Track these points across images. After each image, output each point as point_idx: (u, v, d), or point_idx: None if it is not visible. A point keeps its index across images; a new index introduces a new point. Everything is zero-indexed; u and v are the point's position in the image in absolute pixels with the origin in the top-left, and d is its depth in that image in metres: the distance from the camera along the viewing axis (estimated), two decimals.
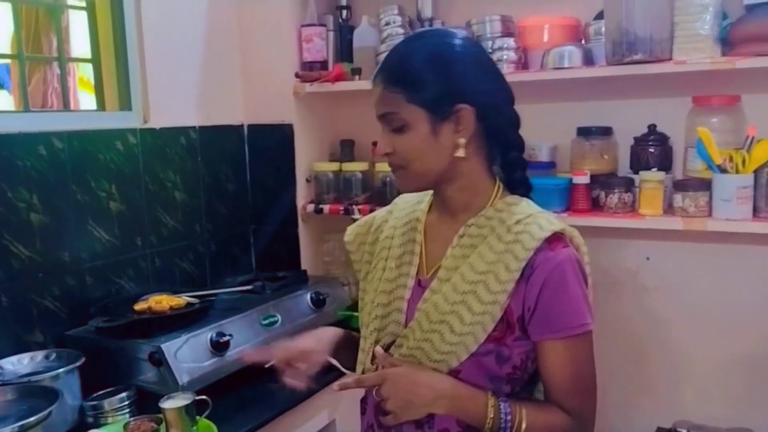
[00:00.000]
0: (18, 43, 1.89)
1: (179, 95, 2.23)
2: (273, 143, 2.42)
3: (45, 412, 1.40)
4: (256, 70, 2.42)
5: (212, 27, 2.31)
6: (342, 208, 2.33)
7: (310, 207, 2.41)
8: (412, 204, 1.27)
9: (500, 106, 1.15)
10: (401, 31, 2.25)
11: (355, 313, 2.22)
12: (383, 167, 2.33)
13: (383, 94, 1.11)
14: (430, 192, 1.24)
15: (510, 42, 2.07)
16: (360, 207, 2.30)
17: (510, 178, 1.20)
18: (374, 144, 2.44)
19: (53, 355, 1.72)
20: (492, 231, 1.12)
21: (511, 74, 2.06)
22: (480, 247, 1.12)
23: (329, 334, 1.32)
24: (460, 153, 1.10)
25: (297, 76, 2.34)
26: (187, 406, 1.52)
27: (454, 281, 1.12)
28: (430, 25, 2.30)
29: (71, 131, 1.88)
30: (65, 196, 1.86)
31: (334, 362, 1.26)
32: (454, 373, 1.11)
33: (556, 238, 1.10)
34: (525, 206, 1.16)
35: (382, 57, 2.25)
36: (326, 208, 2.37)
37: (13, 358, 1.68)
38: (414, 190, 1.19)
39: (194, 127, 2.26)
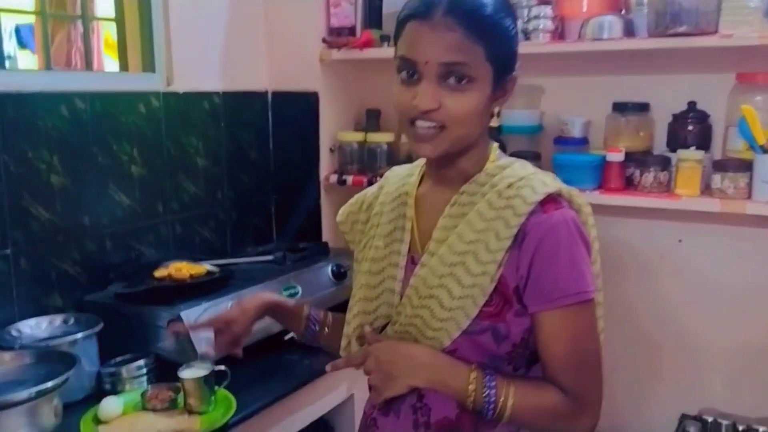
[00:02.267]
0: (41, 1, 1.84)
1: (203, 59, 2.17)
2: (297, 111, 2.36)
3: (62, 378, 1.37)
4: (281, 36, 2.35)
5: None
6: (366, 179, 2.28)
7: (333, 177, 2.35)
8: (402, 177, 1.19)
9: None
10: None
11: None
12: None
13: (461, 41, 0.95)
14: (421, 162, 1.17)
15: (547, 10, 1.98)
16: None
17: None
18: None
19: (71, 320, 1.70)
20: (483, 197, 1.04)
21: (547, 44, 1.99)
22: (470, 215, 1.04)
23: (256, 302, 1.29)
24: (495, 122, 1.06)
25: (324, 41, 2.27)
26: (206, 377, 1.50)
27: (441, 253, 1.04)
28: None
29: (93, 92, 1.84)
30: (86, 159, 1.83)
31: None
32: (449, 353, 1.04)
33: (550, 200, 1.01)
34: (518, 168, 1.07)
35: None
36: (350, 179, 2.32)
37: (32, 321, 1.66)
38: (443, 154, 1.03)
39: (218, 92, 2.21)
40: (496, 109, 1.04)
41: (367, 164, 2.34)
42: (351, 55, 2.25)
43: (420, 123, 0.99)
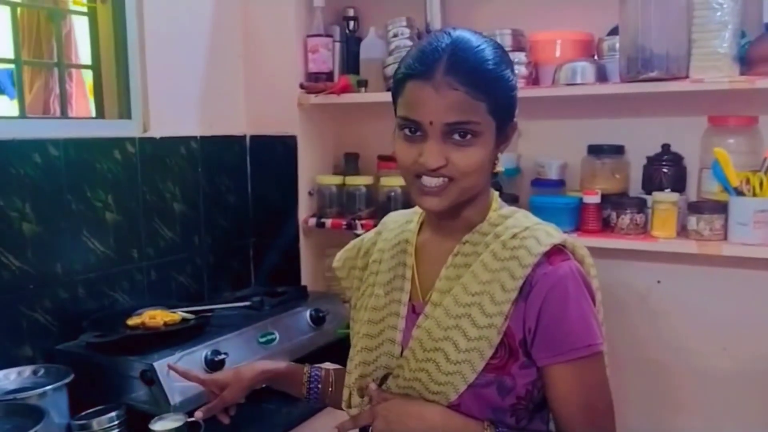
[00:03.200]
0: (16, 48, 1.84)
1: (180, 104, 2.17)
2: (276, 155, 2.36)
3: None
4: (259, 80, 2.36)
5: (216, 35, 2.26)
6: (345, 222, 2.27)
7: (312, 221, 2.34)
8: (400, 224, 1.18)
9: None
10: (409, 43, 2.20)
11: None
12: (388, 182, 2.27)
13: (463, 99, 0.95)
14: (419, 210, 1.16)
15: (521, 56, 2.01)
16: (363, 222, 2.24)
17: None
18: (380, 158, 2.38)
19: (41, 371, 1.65)
20: (486, 247, 1.04)
21: (522, 90, 2.00)
22: (474, 266, 1.03)
23: (253, 371, 1.28)
24: (499, 168, 1.06)
25: (302, 87, 2.29)
26: (178, 428, 1.46)
27: (446, 304, 1.03)
28: None
29: (68, 138, 1.82)
30: (60, 206, 1.81)
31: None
32: (453, 408, 1.02)
33: (555, 251, 1.02)
34: (521, 218, 1.07)
35: (390, 69, 2.23)
36: (328, 222, 2.31)
37: (1, 373, 1.62)
38: (449, 208, 1.02)
39: (195, 137, 2.21)
40: (499, 156, 1.06)
41: (346, 207, 2.33)
42: (329, 99, 2.26)
43: (427, 180, 0.99)
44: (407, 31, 2.23)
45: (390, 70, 2.19)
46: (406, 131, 1.00)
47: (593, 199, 1.99)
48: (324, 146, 2.46)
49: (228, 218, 2.35)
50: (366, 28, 2.35)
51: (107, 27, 2.04)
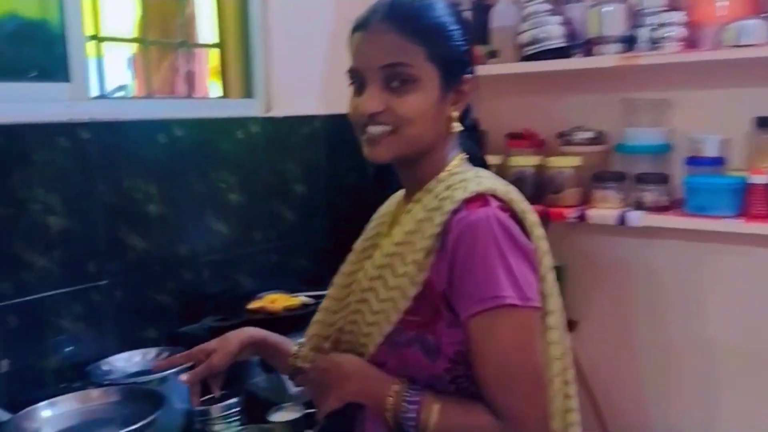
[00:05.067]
0: (142, 29, 1.83)
1: (303, 83, 2.11)
2: None
3: (147, 420, 1.31)
4: None
5: (340, 12, 2.16)
6: None
7: None
8: (396, 197, 1.15)
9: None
10: (547, 7, 2.00)
11: None
12: (518, 161, 2.10)
13: (396, 41, 0.95)
14: None
15: (677, 16, 1.76)
16: None
17: (473, 158, 1.07)
18: (509, 136, 2.21)
19: (164, 354, 1.65)
20: (418, 203, 1.00)
21: (677, 54, 1.76)
22: (403, 217, 1.01)
23: (240, 336, 1.22)
24: (456, 127, 1.00)
25: None
26: (296, 420, 1.39)
27: (375, 255, 1.02)
28: (579, 0, 2.02)
29: (192, 119, 1.81)
30: (184, 186, 1.79)
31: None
32: (380, 366, 0.98)
33: (477, 198, 0.94)
34: (469, 174, 1.00)
35: (525, 37, 2.05)
36: None
37: (125, 355, 1.62)
38: (392, 159, 1.00)
39: (318, 116, 2.14)
40: (454, 113, 1.00)
41: None
42: None
43: (371, 128, 0.98)
44: None
45: (524, 39, 2.01)
46: (354, 86, 1.00)
47: (762, 179, 1.72)
48: None
49: (348, 200, 2.26)
50: None
51: (232, 6, 2.01)
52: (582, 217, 1.97)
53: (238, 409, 1.55)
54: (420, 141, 0.98)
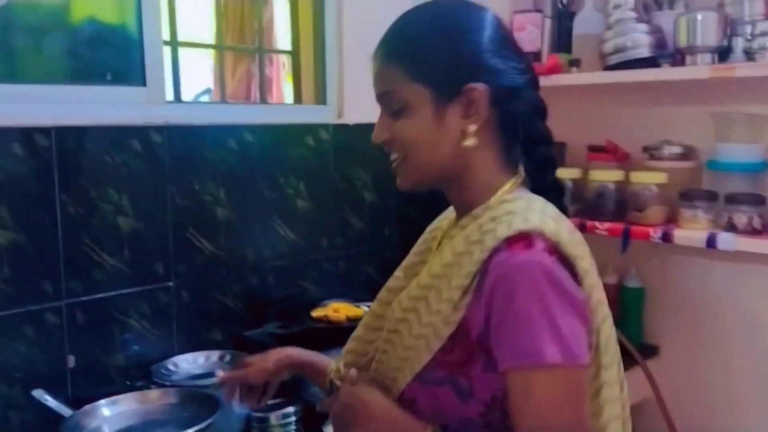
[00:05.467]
0: (218, 34, 1.86)
1: None
2: None
3: (203, 424, 1.31)
4: None
5: None
6: None
7: None
8: (448, 212, 1.09)
9: (520, 89, 0.93)
10: (633, 14, 1.90)
11: None
12: (598, 175, 2.00)
13: (381, 69, 0.94)
14: None
15: None
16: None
17: (538, 181, 0.97)
18: (590, 148, 2.11)
19: (227, 357, 1.66)
20: (462, 230, 0.92)
21: None
22: (443, 248, 0.95)
23: (279, 355, 1.20)
24: (470, 142, 0.91)
25: None
26: None
27: (410, 285, 0.95)
28: (670, 7, 1.91)
29: (263, 124, 1.81)
30: (252, 192, 1.80)
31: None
32: (408, 402, 0.91)
33: (522, 238, 0.84)
34: (520, 204, 0.90)
35: (609, 46, 1.95)
36: None
37: (189, 356, 1.65)
38: (415, 188, 0.97)
39: None
40: (471, 127, 0.91)
41: None
42: None
43: (391, 157, 0.97)
44: (631, 1, 1.92)
45: (608, 47, 1.91)
46: None
47: None
48: None
49: (418, 209, 2.20)
50: (581, 1, 2.08)
51: (307, 13, 2.01)
52: (667, 238, 1.85)
53: (295, 418, 1.54)
54: (433, 164, 0.93)
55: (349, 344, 1.11)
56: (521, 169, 0.97)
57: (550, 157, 0.97)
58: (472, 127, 0.90)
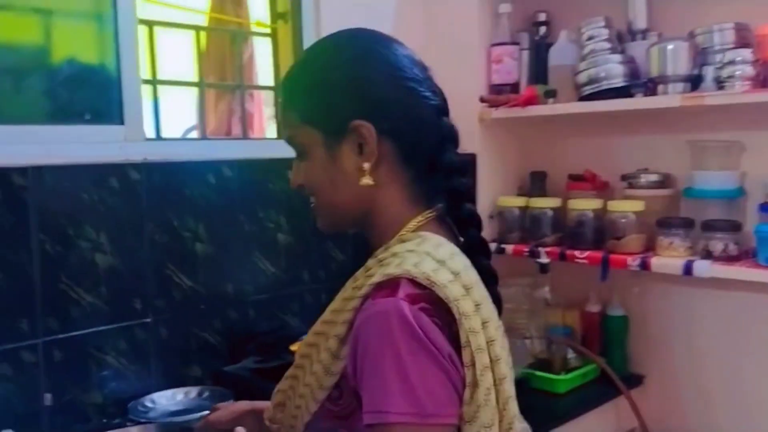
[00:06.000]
0: (199, 71, 1.89)
1: None
2: None
3: None
4: None
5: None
6: (527, 249, 2.04)
7: (493, 246, 2.14)
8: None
9: (421, 118, 0.90)
10: (607, 45, 1.92)
11: (538, 373, 1.93)
12: (578, 204, 2.01)
13: (281, 115, 0.95)
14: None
15: (746, 54, 1.65)
16: (548, 249, 1.99)
17: (454, 212, 0.94)
18: (570, 177, 2.12)
19: (206, 393, 1.66)
20: (366, 271, 0.88)
21: (746, 94, 1.65)
22: (342, 290, 0.92)
23: (239, 407, 1.17)
24: (366, 180, 0.87)
25: (482, 100, 2.11)
26: None
27: (309, 332, 0.93)
28: (643, 38, 1.94)
29: (242, 159, 1.83)
30: (232, 226, 1.81)
31: None
32: None
33: (387, 284, 0.79)
34: (411, 244, 0.85)
35: (582, 77, 1.98)
36: (509, 248, 2.09)
37: (168, 393, 1.64)
38: (333, 229, 0.97)
39: None
40: (365, 165, 0.87)
41: (529, 232, 2.10)
42: (512, 113, 2.06)
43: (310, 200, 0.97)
44: (605, 32, 1.95)
45: (582, 78, 1.94)
46: None
47: None
48: (506, 165, 2.25)
49: None
50: (557, 34, 2.12)
51: (287, 47, 2.04)
52: (645, 266, 1.85)
53: None
54: (339, 205, 0.91)
55: (280, 383, 1.02)
56: (440, 203, 0.94)
57: (464, 187, 0.93)
58: (366, 165, 0.87)
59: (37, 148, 1.49)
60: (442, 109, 0.93)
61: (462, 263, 0.86)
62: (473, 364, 0.79)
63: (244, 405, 1.18)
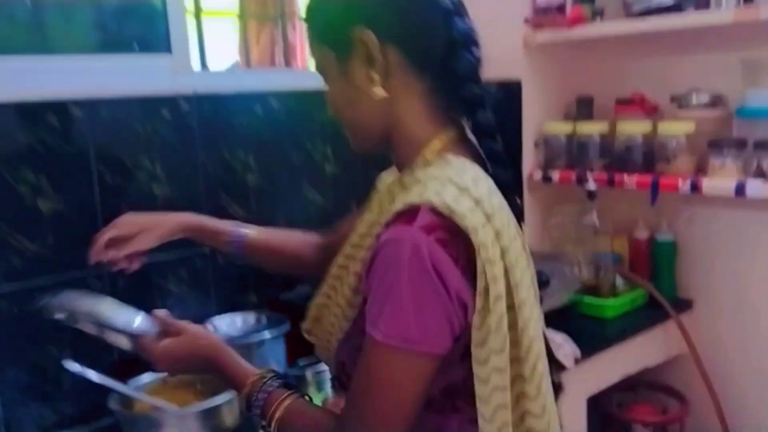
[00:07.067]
0: (240, 3, 1.88)
1: None
2: (498, 102, 2.18)
3: None
4: (480, 19, 2.17)
5: None
6: (575, 176, 2.03)
7: (538, 174, 2.14)
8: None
9: (424, 23, 0.86)
10: None
11: (586, 298, 1.95)
12: (626, 128, 1.99)
13: (309, 43, 0.93)
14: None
15: None
16: (596, 175, 1.98)
17: (482, 147, 0.90)
18: (618, 102, 2.09)
19: (264, 318, 1.71)
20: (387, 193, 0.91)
21: None
22: (368, 209, 0.96)
23: (176, 221, 1.21)
24: (378, 91, 0.85)
25: (526, 22, 2.07)
26: None
27: (340, 254, 0.96)
28: None
29: (288, 91, 1.83)
30: (280, 158, 1.83)
31: None
32: (341, 365, 0.93)
33: (406, 213, 0.79)
34: (435, 170, 0.84)
35: None
36: (556, 175, 2.09)
37: (227, 318, 1.70)
38: (364, 151, 0.96)
39: None
40: (376, 76, 0.85)
41: (576, 159, 2.09)
42: (558, 36, 2.02)
43: None
44: None
45: None
46: None
47: None
48: (552, 90, 2.22)
49: None
50: None
51: None
52: (696, 187, 1.84)
53: (330, 376, 1.59)
54: (360, 123, 0.91)
55: (316, 297, 1.03)
56: (466, 125, 0.92)
57: (476, 96, 0.89)
58: (375, 75, 0.85)
59: (90, 79, 1.51)
60: (453, 11, 0.88)
61: (486, 188, 0.84)
62: (487, 293, 0.79)
63: (177, 223, 1.22)
